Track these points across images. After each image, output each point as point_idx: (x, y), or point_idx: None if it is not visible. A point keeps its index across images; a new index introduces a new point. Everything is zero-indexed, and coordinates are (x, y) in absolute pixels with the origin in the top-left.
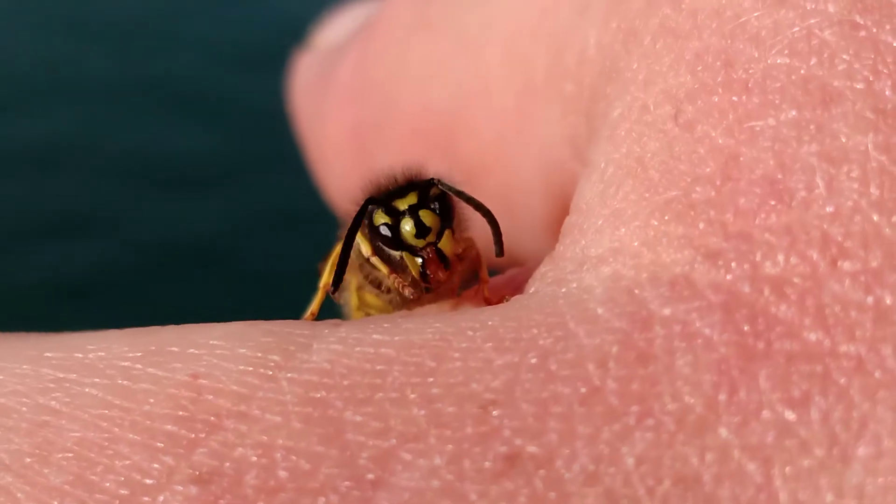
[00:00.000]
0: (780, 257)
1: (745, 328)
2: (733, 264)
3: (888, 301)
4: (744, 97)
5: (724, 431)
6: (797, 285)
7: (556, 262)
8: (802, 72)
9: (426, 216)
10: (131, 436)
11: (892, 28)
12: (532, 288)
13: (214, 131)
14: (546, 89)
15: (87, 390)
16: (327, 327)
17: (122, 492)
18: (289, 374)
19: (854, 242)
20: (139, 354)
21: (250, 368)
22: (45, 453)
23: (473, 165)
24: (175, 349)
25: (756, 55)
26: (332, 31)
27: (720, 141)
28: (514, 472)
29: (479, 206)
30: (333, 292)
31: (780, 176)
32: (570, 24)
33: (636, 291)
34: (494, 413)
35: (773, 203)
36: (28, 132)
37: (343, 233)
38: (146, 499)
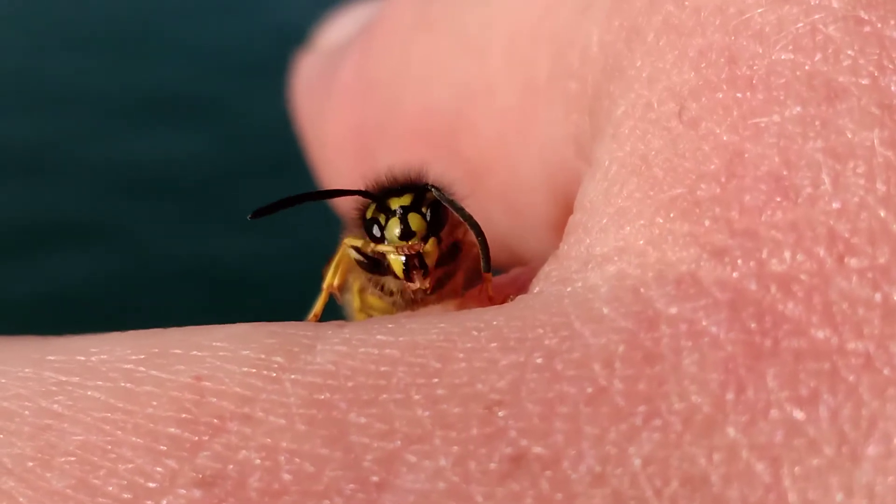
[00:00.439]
0: (787, 254)
1: (752, 326)
2: (739, 262)
3: None
4: (748, 94)
5: (731, 431)
6: (804, 282)
7: (561, 261)
8: (807, 68)
9: (414, 219)
10: (134, 439)
11: None
12: (536, 287)
13: (208, 139)
14: (549, 88)
15: (89, 393)
16: (331, 328)
17: (125, 496)
18: (292, 376)
19: (861, 239)
20: (142, 357)
21: (254, 370)
22: (47, 457)
23: (476, 165)
24: (178, 351)
25: (760, 51)
26: (333, 32)
27: (724, 138)
28: (520, 473)
29: (469, 220)
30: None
31: (785, 172)
32: (572, 22)
33: (642, 290)
34: (500, 414)
35: (778, 200)
36: (21, 139)
37: (345, 234)
38: (149, 502)
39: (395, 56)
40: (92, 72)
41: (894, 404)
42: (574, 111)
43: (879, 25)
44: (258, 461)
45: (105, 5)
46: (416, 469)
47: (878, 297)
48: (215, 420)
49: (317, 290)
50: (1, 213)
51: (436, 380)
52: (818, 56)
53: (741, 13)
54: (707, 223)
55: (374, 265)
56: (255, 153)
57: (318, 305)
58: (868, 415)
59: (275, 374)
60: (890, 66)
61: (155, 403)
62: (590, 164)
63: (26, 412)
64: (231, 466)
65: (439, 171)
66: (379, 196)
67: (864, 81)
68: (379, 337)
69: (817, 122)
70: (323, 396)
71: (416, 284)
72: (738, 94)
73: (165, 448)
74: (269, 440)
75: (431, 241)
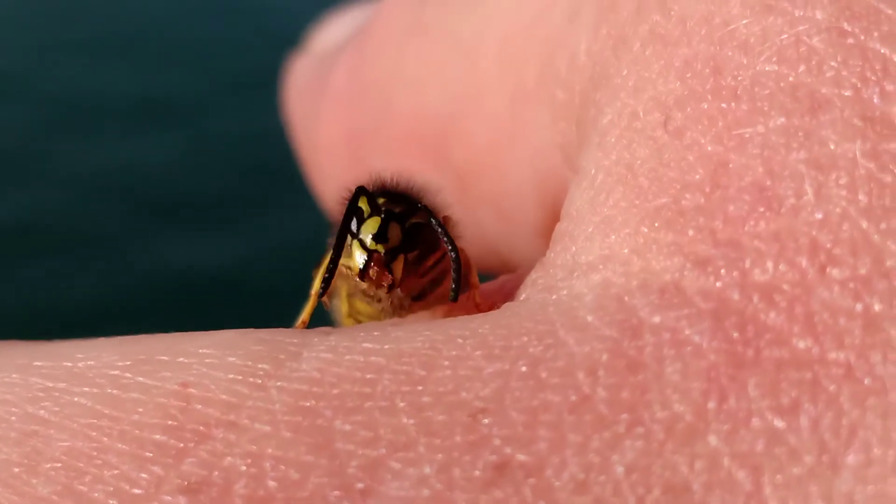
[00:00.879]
0: (770, 264)
1: (735, 335)
2: (722, 271)
3: (877, 308)
4: (733, 104)
5: (713, 439)
6: (786, 292)
7: (547, 268)
8: (791, 79)
9: (393, 230)
10: (120, 445)
11: (880, 35)
12: (523, 295)
13: (203, 149)
14: (537, 95)
15: (76, 399)
16: (317, 335)
17: (111, 502)
18: (278, 383)
19: (843, 249)
20: (128, 363)
21: (240, 377)
22: (33, 463)
23: (466, 170)
24: (164, 358)
25: (745, 62)
26: (327, 35)
27: (709, 148)
28: (504, 480)
29: (451, 246)
30: (322, 293)
31: (768, 183)
32: (560, 30)
33: (626, 299)
34: (484, 421)
35: (761, 210)
36: (13, 147)
37: (334, 235)
38: None
39: (388, 59)
40: (82, 76)
41: (874, 414)
42: (561, 119)
43: (863, 37)
44: (243, 468)
45: (101, 10)
46: (401, 476)
47: (859, 307)
48: (201, 427)
49: (304, 295)
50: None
51: (421, 387)
52: (802, 67)
53: (726, 24)
54: (691, 233)
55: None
56: (244, 160)
57: (306, 312)
58: (848, 424)
59: (260, 381)
60: (872, 78)
61: (141, 410)
62: (576, 172)
63: (13, 418)
64: (216, 473)
65: (430, 175)
66: (374, 192)
67: (847, 93)
68: (365, 345)
69: (801, 133)
70: (308, 404)
71: (369, 284)
72: (723, 105)
73: (151, 455)
74: (254, 447)
75: (399, 258)
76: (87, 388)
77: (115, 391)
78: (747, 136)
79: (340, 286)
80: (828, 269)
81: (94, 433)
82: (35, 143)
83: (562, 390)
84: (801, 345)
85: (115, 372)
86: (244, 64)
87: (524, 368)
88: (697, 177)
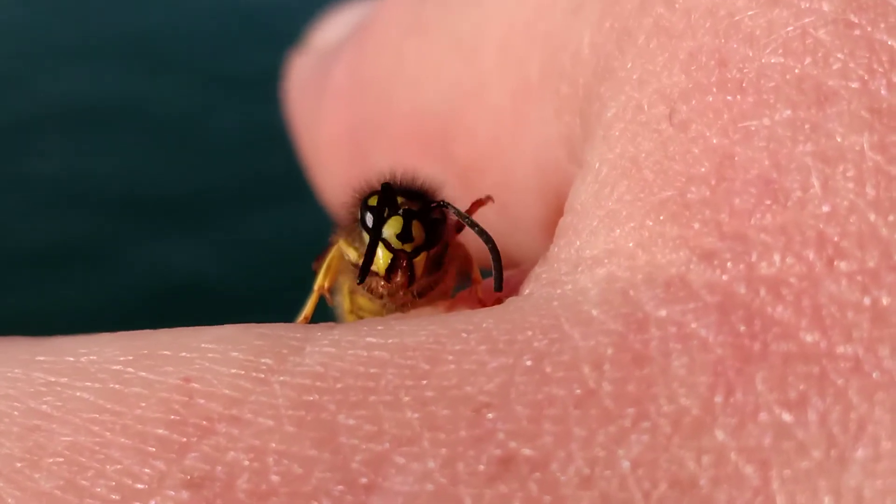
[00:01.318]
0: (776, 257)
1: (741, 329)
2: (729, 265)
3: (885, 301)
4: (738, 97)
5: (720, 434)
6: (793, 286)
7: (551, 263)
8: (797, 71)
9: (416, 228)
10: (123, 440)
11: (887, 26)
12: (527, 289)
13: (199, 157)
14: (541, 89)
15: (78, 394)
16: (320, 330)
17: (113, 497)
18: (281, 378)
19: (850, 242)
20: (131, 358)
21: (242, 372)
22: (35, 458)
23: (469, 166)
24: (167, 353)
25: (750, 54)
26: (327, 32)
27: (715, 141)
28: (509, 475)
29: (483, 234)
30: (360, 281)
31: (775, 176)
32: (564, 23)
33: (631, 293)
34: (489, 416)
35: (768, 203)
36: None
37: (338, 233)
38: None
39: (389, 56)
40: (75, 82)
41: (883, 408)
42: (565, 113)
43: (869, 29)
44: (246, 462)
45: (98, 19)
46: (405, 471)
47: (867, 300)
48: (204, 421)
49: (304, 295)
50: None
51: (425, 382)
52: (808, 60)
53: (731, 16)
54: (697, 226)
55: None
56: (245, 171)
57: (309, 307)
58: (857, 418)
59: (263, 376)
60: (880, 70)
61: (143, 405)
62: (581, 166)
63: (15, 413)
64: (219, 468)
65: (432, 172)
66: (396, 190)
67: (854, 85)
68: (368, 339)
69: (807, 126)
70: (312, 398)
71: (398, 284)
72: (728, 97)
73: (154, 449)
74: (257, 442)
75: (422, 255)
76: (89, 383)
77: (117, 386)
78: (753, 128)
79: (343, 282)
80: (835, 263)
81: (97, 428)
82: (28, 147)
83: (567, 384)
84: (809, 338)
85: (118, 367)
86: (243, 66)
87: (529, 363)
88: (703, 170)
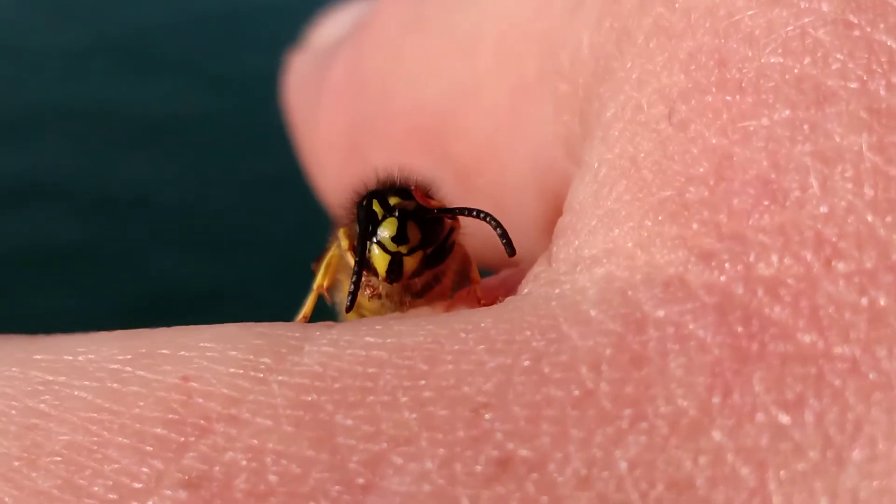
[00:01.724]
0: (774, 258)
1: (739, 330)
2: (727, 265)
3: (882, 302)
4: (737, 97)
5: (717, 434)
6: (791, 286)
7: (550, 262)
8: (796, 71)
9: (411, 228)
10: (120, 439)
11: (887, 27)
12: (525, 289)
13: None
14: (539, 88)
15: (76, 393)
16: (319, 329)
17: (111, 496)
18: (280, 377)
19: (848, 243)
20: (129, 357)
21: (241, 371)
22: (33, 457)
23: (466, 165)
24: (165, 352)
25: (750, 54)
26: (326, 30)
27: (714, 141)
28: (506, 476)
29: (481, 213)
30: (348, 310)
31: (773, 176)
32: (562, 23)
33: (630, 293)
34: (486, 416)
35: (766, 203)
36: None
37: (337, 233)
38: (135, 503)
39: (387, 55)
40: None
41: (880, 409)
42: (564, 113)
43: (869, 29)
44: (244, 462)
45: (100, 23)
46: (402, 471)
47: (864, 301)
48: (202, 421)
49: (304, 296)
50: None
51: (423, 382)
52: (807, 60)
53: (731, 15)
54: (695, 226)
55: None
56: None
57: (308, 306)
58: (854, 419)
59: (262, 376)
60: (879, 70)
61: (142, 404)
62: (579, 165)
63: (13, 411)
64: (217, 468)
65: (429, 170)
66: (385, 191)
67: (853, 85)
68: (367, 338)
69: (806, 126)
70: (310, 398)
71: (392, 287)
72: (728, 97)
73: (152, 449)
74: (255, 441)
75: (418, 254)
76: (87, 382)
77: (115, 385)
78: (752, 128)
79: (342, 281)
80: (833, 263)
81: (95, 427)
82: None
83: (565, 385)
84: (807, 339)
85: (116, 366)
86: (243, 66)
87: (527, 363)
88: (702, 170)
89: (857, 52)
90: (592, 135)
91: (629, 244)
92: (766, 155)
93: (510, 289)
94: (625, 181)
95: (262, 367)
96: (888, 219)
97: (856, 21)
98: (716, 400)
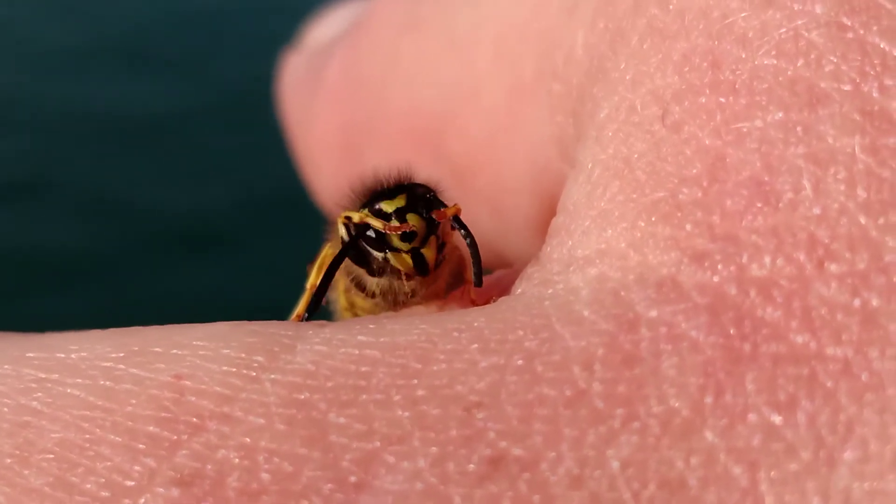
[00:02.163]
0: (767, 259)
1: (732, 330)
2: (720, 266)
3: (875, 304)
4: (731, 98)
5: (709, 435)
6: (784, 287)
7: (543, 263)
8: (789, 73)
9: (413, 220)
10: (113, 437)
11: (880, 29)
12: (519, 289)
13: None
14: (534, 89)
15: (68, 391)
16: (312, 328)
17: (103, 494)
18: (272, 376)
19: (841, 244)
20: (122, 355)
21: (234, 369)
22: (25, 454)
23: (462, 165)
24: (158, 350)
25: (743, 56)
26: (321, 30)
27: (707, 142)
28: (499, 475)
29: (463, 227)
30: (306, 319)
31: (766, 178)
32: (558, 23)
33: (622, 293)
34: (479, 415)
35: (759, 205)
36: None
37: (331, 232)
38: (127, 501)
39: (383, 55)
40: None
41: (872, 410)
42: (558, 113)
43: (862, 32)
44: (237, 460)
45: (95, 24)
46: (395, 470)
47: (857, 302)
48: (194, 419)
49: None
50: None
51: (416, 381)
52: (801, 61)
53: (725, 17)
54: (688, 227)
55: (369, 266)
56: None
57: (301, 305)
58: (845, 420)
59: (255, 374)
60: (872, 73)
61: (134, 402)
62: (573, 166)
63: (5, 409)
64: (210, 466)
65: (425, 170)
66: (368, 202)
67: (846, 87)
68: (360, 337)
69: (799, 128)
70: (303, 396)
71: (413, 283)
72: (721, 99)
73: (144, 446)
74: (248, 440)
75: (431, 240)
76: (79, 380)
77: (107, 382)
78: (745, 130)
79: (337, 280)
80: (826, 265)
81: (87, 424)
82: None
83: (557, 384)
84: (799, 340)
85: (108, 363)
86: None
87: (520, 362)
88: (695, 171)
89: (850, 54)
90: (586, 135)
91: (622, 245)
92: (759, 156)
93: (504, 289)
94: (618, 182)
95: (255, 365)
96: (881, 220)
97: (849, 23)
98: (708, 400)
